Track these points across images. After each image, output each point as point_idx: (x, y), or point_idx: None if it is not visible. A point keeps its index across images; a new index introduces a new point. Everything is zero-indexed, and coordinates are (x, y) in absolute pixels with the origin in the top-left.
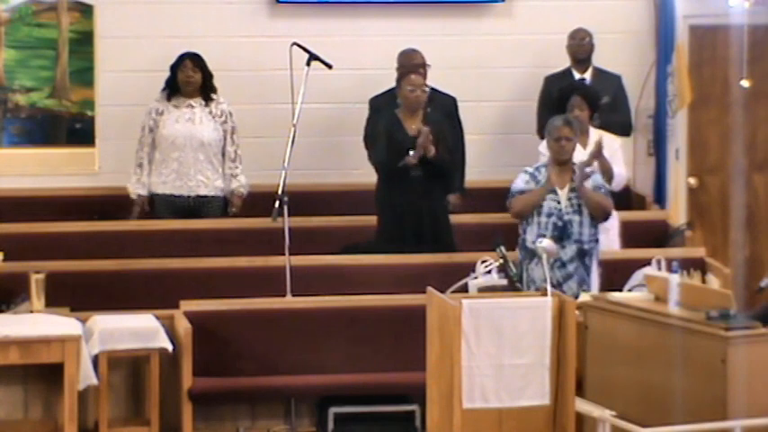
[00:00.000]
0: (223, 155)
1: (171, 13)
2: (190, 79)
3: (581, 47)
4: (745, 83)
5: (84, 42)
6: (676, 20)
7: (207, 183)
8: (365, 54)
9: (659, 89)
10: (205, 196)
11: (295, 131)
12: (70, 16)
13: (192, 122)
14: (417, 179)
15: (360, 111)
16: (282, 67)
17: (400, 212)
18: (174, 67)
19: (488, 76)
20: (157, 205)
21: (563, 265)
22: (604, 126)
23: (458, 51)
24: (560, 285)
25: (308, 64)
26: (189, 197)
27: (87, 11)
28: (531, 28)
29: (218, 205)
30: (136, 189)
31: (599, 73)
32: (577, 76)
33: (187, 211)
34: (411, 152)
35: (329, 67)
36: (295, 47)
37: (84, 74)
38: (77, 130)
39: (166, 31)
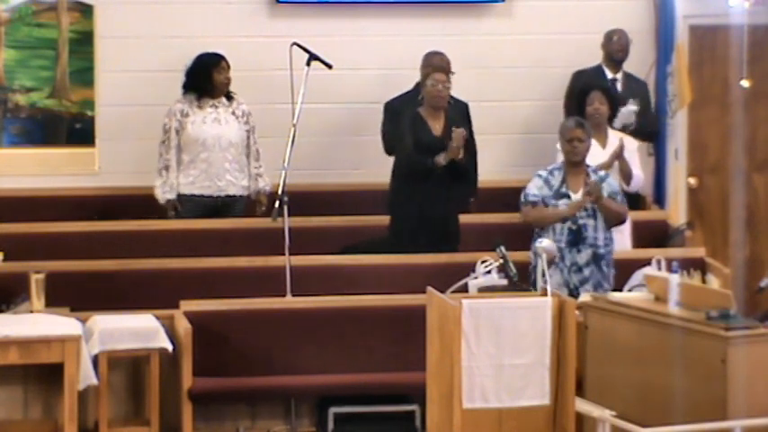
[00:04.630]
0: (247, 155)
1: (171, 13)
2: (228, 81)
3: (619, 46)
4: (745, 83)
5: (84, 42)
6: (676, 20)
7: (235, 182)
8: (365, 54)
9: (659, 89)
10: (233, 196)
11: (295, 131)
12: (70, 16)
13: (218, 123)
14: (437, 181)
15: (360, 111)
16: (282, 67)
17: (417, 213)
18: (209, 69)
19: (489, 76)
20: (184, 205)
21: (579, 269)
22: (634, 132)
23: (458, 51)
24: (577, 289)
25: (308, 64)
26: (218, 197)
27: (87, 11)
28: (531, 28)
29: (244, 204)
30: (165, 194)
31: (628, 77)
32: (609, 75)
33: (215, 210)
34: (442, 154)
35: (329, 67)
36: (295, 47)
37: (84, 74)
38: (77, 130)
39: (166, 31)
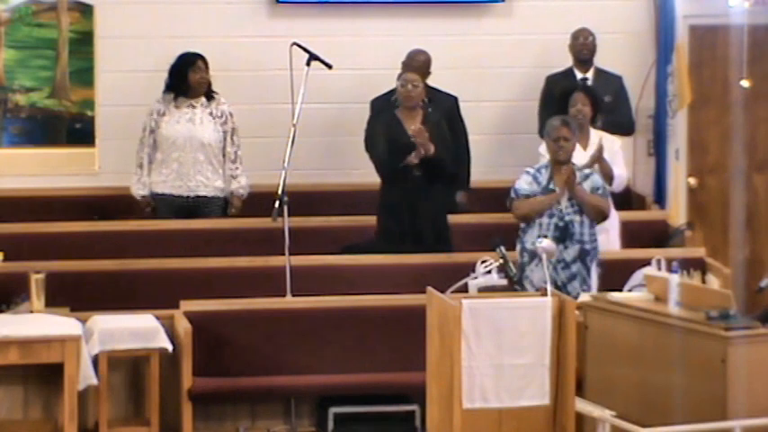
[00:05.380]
0: (224, 156)
1: (171, 13)
2: (204, 80)
3: (584, 46)
4: (745, 83)
5: (84, 42)
6: (676, 20)
7: (207, 183)
8: (365, 54)
9: (659, 89)
10: (204, 197)
11: (295, 131)
12: (70, 16)
13: (192, 123)
14: (417, 179)
15: (360, 111)
16: (282, 67)
17: (399, 213)
18: (185, 68)
19: (488, 76)
20: (157, 204)
21: (567, 266)
22: (606, 127)
23: (458, 51)
24: (564, 286)
25: (308, 64)
26: (188, 197)
27: (87, 11)
28: (531, 28)
29: (218, 206)
30: (138, 190)
31: (600, 73)
32: (579, 75)
33: (186, 211)
34: (413, 153)
35: (329, 67)
36: (295, 47)
37: (84, 74)
38: (77, 130)
39: (166, 31)
